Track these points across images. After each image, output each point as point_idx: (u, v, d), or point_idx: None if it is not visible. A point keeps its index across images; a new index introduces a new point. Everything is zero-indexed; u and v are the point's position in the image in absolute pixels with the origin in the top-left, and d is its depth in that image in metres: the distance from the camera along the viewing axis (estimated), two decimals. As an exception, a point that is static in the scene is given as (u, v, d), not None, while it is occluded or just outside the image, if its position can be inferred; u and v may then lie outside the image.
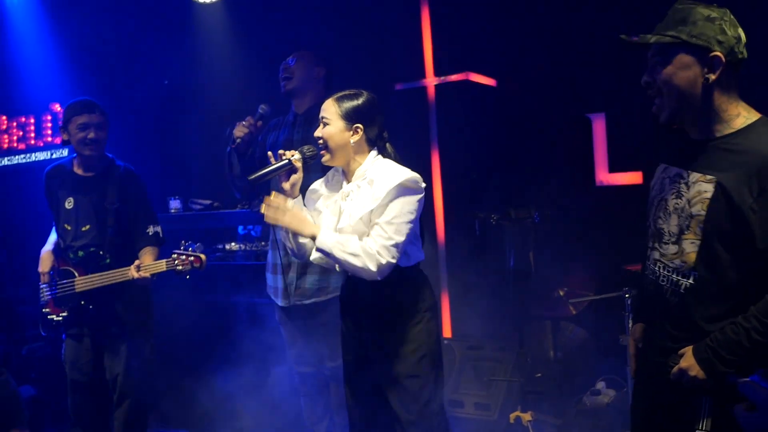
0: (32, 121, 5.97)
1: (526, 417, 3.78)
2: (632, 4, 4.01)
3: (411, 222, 2.55)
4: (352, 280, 2.72)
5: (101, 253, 3.57)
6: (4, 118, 6.05)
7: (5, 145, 6.06)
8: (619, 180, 4.38)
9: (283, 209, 2.57)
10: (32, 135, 5.95)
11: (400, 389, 2.63)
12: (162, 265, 3.39)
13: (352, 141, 2.64)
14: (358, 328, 2.73)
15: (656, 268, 2.11)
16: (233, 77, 5.36)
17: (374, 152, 2.70)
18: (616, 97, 4.27)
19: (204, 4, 5.37)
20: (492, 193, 4.54)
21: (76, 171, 3.71)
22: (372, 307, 2.66)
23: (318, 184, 2.82)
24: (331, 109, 2.65)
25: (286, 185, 2.67)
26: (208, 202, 5.37)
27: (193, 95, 5.75)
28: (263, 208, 2.59)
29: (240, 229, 5.16)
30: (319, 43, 3.95)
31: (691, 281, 2.01)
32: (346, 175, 2.73)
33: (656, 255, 2.12)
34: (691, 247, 2.00)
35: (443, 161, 4.77)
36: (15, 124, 6.02)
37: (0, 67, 5.87)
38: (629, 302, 3.68)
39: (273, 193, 2.62)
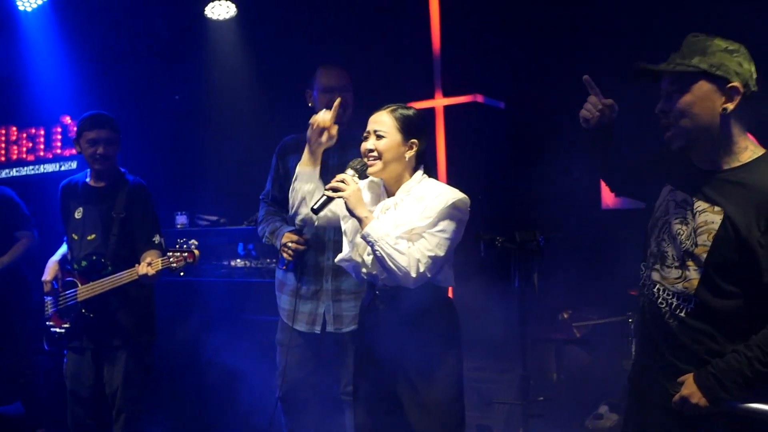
0: (42, 132, 6.00)
1: (528, 440, 3.76)
2: (640, 30, 4.03)
3: (453, 241, 2.53)
4: (382, 299, 2.64)
5: (103, 260, 3.57)
6: (14, 129, 6.09)
7: (14, 156, 6.09)
8: (625, 204, 4.38)
9: (349, 183, 2.51)
10: (42, 147, 5.99)
11: (434, 415, 2.56)
12: (159, 264, 3.41)
13: (407, 156, 2.62)
14: (384, 349, 2.62)
15: (655, 290, 2.13)
16: (244, 94, 5.40)
17: (421, 170, 2.67)
18: (622, 121, 4.27)
19: (217, 21, 5.43)
20: (497, 215, 4.54)
21: (89, 182, 3.73)
22: (406, 329, 2.57)
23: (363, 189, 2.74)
24: (387, 122, 2.60)
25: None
26: (214, 218, 5.38)
27: (204, 112, 5.77)
28: (332, 183, 2.53)
29: (240, 247, 5.15)
30: (328, 62, 3.96)
31: (691, 307, 2.03)
32: (387, 188, 2.69)
33: (656, 276, 2.14)
34: (694, 274, 2.02)
35: (450, 182, 4.75)
36: (25, 135, 6.05)
37: (12, 78, 5.91)
38: (633, 327, 3.67)
39: (347, 171, 2.58)
